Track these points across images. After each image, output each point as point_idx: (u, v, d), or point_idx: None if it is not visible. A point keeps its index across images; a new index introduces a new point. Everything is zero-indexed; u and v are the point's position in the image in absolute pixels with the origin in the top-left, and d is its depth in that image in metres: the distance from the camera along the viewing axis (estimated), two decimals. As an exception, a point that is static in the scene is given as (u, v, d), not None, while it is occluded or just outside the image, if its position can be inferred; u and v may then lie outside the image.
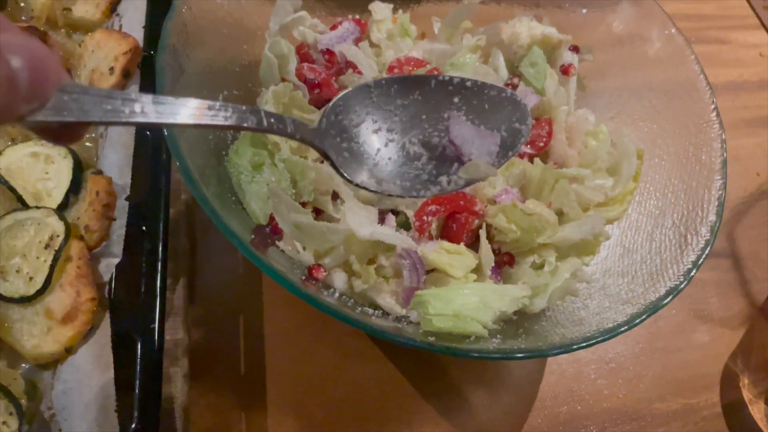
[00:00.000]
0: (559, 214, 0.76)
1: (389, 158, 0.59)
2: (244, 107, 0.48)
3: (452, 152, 0.59)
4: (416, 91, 0.60)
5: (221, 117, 0.47)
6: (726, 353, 0.90)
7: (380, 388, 0.79)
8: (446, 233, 0.72)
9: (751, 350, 0.90)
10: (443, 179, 0.59)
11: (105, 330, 0.64)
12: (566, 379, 0.84)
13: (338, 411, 0.77)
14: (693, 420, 0.84)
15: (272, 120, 0.50)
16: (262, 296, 0.82)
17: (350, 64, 0.84)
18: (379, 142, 0.59)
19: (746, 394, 0.87)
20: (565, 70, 0.88)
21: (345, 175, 0.56)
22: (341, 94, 0.58)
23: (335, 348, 0.80)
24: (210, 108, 0.46)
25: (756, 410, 0.86)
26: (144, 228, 0.71)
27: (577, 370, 0.85)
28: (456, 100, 0.61)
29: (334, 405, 0.77)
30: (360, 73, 0.82)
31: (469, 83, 0.61)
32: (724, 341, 0.91)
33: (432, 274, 0.71)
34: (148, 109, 0.42)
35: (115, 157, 0.73)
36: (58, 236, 0.66)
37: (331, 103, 0.57)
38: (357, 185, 0.56)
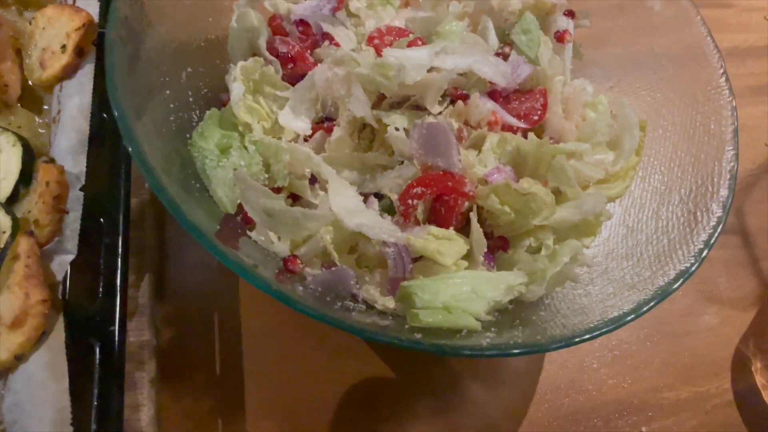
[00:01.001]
0: (557, 193, 0.69)
1: None
2: None
3: None
4: None
5: None
6: (737, 336, 0.85)
7: (370, 387, 0.74)
8: (434, 217, 0.66)
9: (763, 332, 0.85)
10: None
11: (58, 335, 0.58)
12: (567, 369, 0.79)
13: (324, 412, 0.72)
14: (703, 409, 0.79)
15: None
16: (239, 290, 0.76)
17: (327, 36, 0.77)
18: None
19: (759, 379, 0.82)
20: (559, 38, 0.81)
21: None
22: None
23: (320, 344, 0.74)
24: None
25: (770, 396, 0.81)
26: (102, 220, 0.65)
27: (579, 359, 0.79)
28: None
29: (319, 406, 0.72)
30: (337, 44, 0.75)
31: None
32: (735, 324, 0.86)
33: (419, 262, 0.64)
34: None
35: (68, 144, 0.67)
36: (3, 233, 0.59)
37: None
38: None
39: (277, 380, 0.72)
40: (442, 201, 0.65)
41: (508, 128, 0.71)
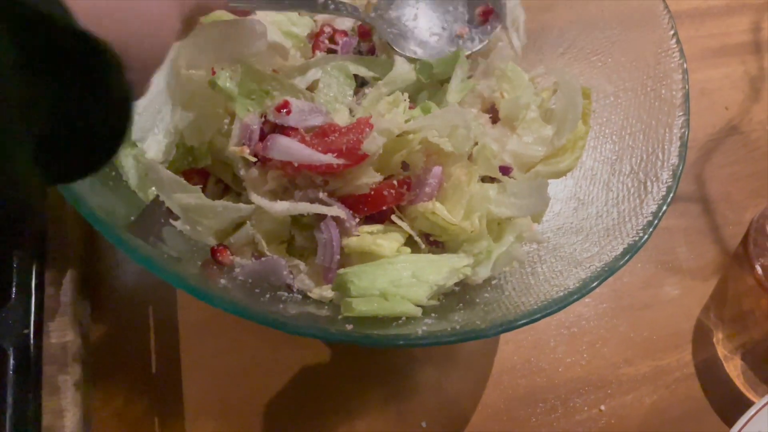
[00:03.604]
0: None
1: (418, 37, 0.72)
2: None
3: (458, 32, 0.74)
4: None
5: None
6: (698, 307, 0.82)
7: (316, 377, 0.70)
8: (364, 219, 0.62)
9: (724, 301, 0.83)
10: (452, 47, 0.71)
11: (-34, 341, 0.54)
12: (523, 348, 0.76)
13: (268, 406, 0.68)
14: (664, 383, 0.77)
15: None
16: (176, 282, 0.72)
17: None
18: (412, 25, 0.73)
19: (721, 351, 0.80)
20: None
21: (395, 48, 0.69)
22: None
23: (261, 335, 0.71)
24: None
25: (732, 367, 0.79)
26: (13, 213, 0.60)
27: (535, 338, 0.77)
28: None
29: (263, 400, 0.68)
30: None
31: None
32: (696, 294, 0.83)
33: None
34: None
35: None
36: None
37: None
38: (405, 56, 0.69)
39: (217, 374, 0.68)
40: (366, 203, 0.61)
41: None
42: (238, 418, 0.67)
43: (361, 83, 0.70)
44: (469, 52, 0.72)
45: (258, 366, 0.69)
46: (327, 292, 0.59)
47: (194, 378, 0.67)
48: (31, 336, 0.56)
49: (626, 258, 0.55)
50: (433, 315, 0.55)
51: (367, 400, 0.70)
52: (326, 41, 0.73)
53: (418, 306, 0.55)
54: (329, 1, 0.63)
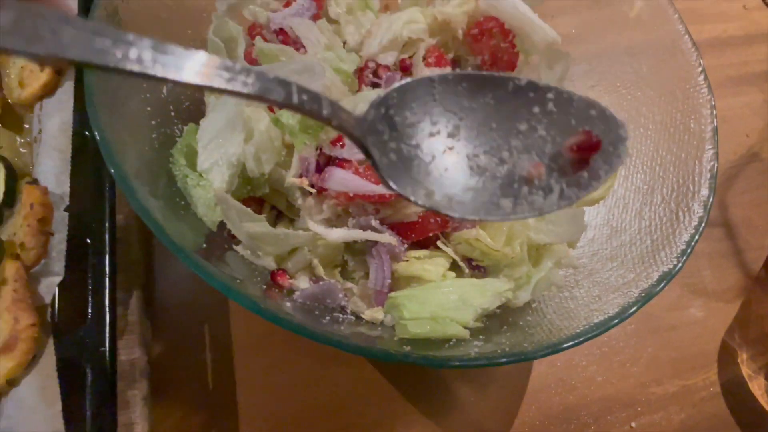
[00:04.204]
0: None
1: (446, 168, 0.48)
2: (271, 75, 0.39)
3: (526, 172, 0.48)
4: (489, 93, 0.50)
5: (239, 82, 0.37)
6: (722, 328, 0.86)
7: (361, 393, 0.74)
8: (411, 244, 0.67)
9: (748, 323, 0.86)
10: (506, 202, 0.47)
11: (49, 358, 0.58)
12: (556, 368, 0.80)
13: (317, 420, 0.72)
14: (691, 402, 0.80)
15: (305, 97, 0.41)
16: (228, 302, 0.76)
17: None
18: (436, 148, 0.49)
19: (745, 370, 0.83)
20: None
21: (388, 181, 0.46)
22: (397, 84, 0.48)
23: (310, 353, 0.75)
24: (226, 69, 0.37)
25: (756, 386, 0.82)
26: (88, 240, 0.65)
27: (567, 357, 0.80)
28: (536, 110, 0.49)
29: (311, 414, 0.72)
30: (303, 48, 0.75)
31: (552, 93, 0.49)
32: (720, 316, 0.87)
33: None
34: (145, 55, 0.34)
35: (51, 164, 0.66)
36: (-11, 257, 0.59)
37: (383, 93, 0.48)
38: (401, 195, 0.46)
39: (269, 389, 0.72)
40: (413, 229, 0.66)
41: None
42: (289, 430, 0.71)
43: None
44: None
45: (306, 382, 0.73)
46: (378, 314, 0.64)
47: (248, 393, 0.71)
48: (107, 354, 0.60)
49: (662, 285, 0.59)
50: (480, 337, 0.59)
51: (408, 415, 0.74)
52: (371, 75, 0.77)
53: (466, 328, 0.59)
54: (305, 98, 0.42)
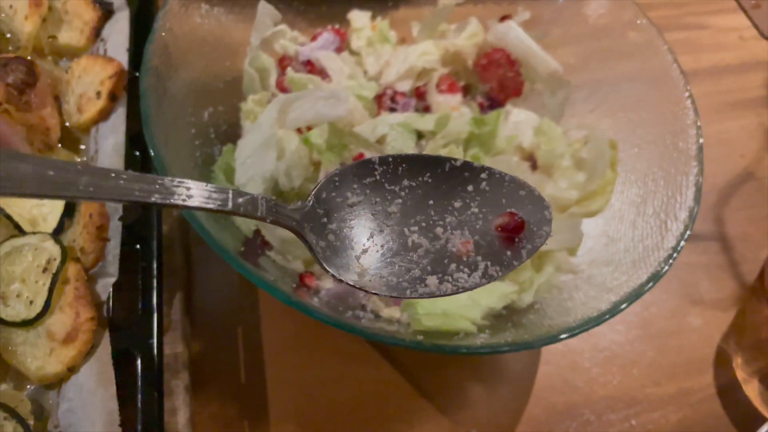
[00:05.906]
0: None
1: (382, 245, 0.50)
2: (210, 186, 0.42)
3: (456, 249, 0.50)
4: (427, 172, 0.52)
5: (179, 198, 0.40)
6: (718, 335, 0.92)
7: (380, 390, 0.81)
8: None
9: (743, 330, 0.91)
10: (433, 280, 0.48)
11: (105, 348, 0.66)
12: (561, 369, 0.86)
13: (340, 414, 0.79)
14: (688, 403, 0.86)
15: (239, 201, 0.43)
16: (259, 306, 0.84)
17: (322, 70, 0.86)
18: (374, 227, 0.51)
19: (740, 374, 0.88)
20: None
21: (323, 263, 0.48)
22: (339, 168, 0.52)
23: (334, 352, 0.82)
24: (164, 186, 0.40)
25: (750, 389, 0.87)
26: (138, 246, 0.73)
27: (572, 360, 0.86)
28: (470, 188, 0.52)
29: (335, 408, 0.79)
30: (329, 77, 0.83)
31: (485, 174, 0.52)
32: (717, 323, 0.93)
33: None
34: (83, 180, 0.36)
35: (107, 180, 0.75)
36: (54, 260, 0.68)
37: (325, 177, 0.51)
38: (335, 278, 0.48)
39: (297, 385, 0.79)
40: None
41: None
42: (315, 423, 0.78)
43: (418, 136, 0.83)
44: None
45: (331, 379, 0.80)
46: (395, 312, 0.71)
47: (278, 388, 0.79)
48: (155, 345, 0.68)
49: (650, 285, 0.65)
50: (487, 331, 0.66)
51: (423, 411, 0.81)
52: (389, 101, 0.86)
53: (474, 324, 0.66)
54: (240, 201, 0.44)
